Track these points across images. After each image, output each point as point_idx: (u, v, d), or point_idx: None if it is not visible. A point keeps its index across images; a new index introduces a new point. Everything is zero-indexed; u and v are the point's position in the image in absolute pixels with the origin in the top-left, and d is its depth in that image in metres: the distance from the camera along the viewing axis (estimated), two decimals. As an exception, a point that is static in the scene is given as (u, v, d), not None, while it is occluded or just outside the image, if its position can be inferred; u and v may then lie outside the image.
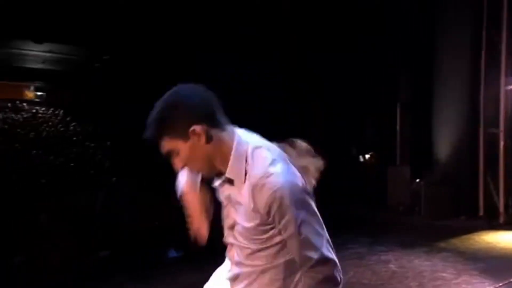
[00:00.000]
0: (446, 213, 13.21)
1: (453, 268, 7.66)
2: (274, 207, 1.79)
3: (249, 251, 1.92)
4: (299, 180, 1.87)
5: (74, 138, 19.09)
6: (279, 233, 1.87)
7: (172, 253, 8.97)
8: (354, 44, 15.23)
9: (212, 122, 1.82)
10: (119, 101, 17.11)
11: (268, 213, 1.81)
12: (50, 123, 20.67)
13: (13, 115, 21.01)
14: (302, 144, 2.20)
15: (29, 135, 18.40)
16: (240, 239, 1.93)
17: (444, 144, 14.80)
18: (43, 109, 22.83)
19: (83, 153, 17.25)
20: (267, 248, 1.90)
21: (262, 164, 1.81)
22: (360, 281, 6.95)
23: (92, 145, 18.36)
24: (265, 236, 1.88)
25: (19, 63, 18.79)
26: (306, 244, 1.85)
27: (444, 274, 7.26)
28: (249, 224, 1.88)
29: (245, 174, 1.83)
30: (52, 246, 8.53)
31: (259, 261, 1.92)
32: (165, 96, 1.88)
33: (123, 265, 8.28)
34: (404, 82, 16.25)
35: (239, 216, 1.90)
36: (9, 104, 22.12)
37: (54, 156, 16.13)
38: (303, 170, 2.04)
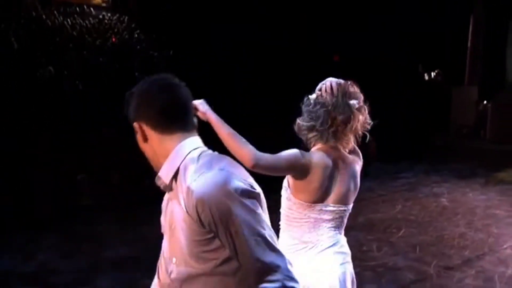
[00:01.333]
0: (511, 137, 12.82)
1: (509, 204, 7.56)
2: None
3: None
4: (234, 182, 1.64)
5: (138, 47, 19.41)
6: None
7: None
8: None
9: (154, 124, 1.79)
10: (183, 9, 17.01)
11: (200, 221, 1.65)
12: (116, 30, 21.02)
13: (81, 21, 21.42)
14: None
15: (96, 42, 18.83)
16: None
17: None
18: (109, 14, 23.16)
19: (147, 62, 17.60)
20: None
21: (192, 173, 1.68)
22: (406, 217, 6.97)
23: (156, 54, 18.67)
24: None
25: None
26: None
27: (497, 212, 7.19)
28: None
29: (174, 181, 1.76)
30: (113, 164, 8.86)
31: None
32: (144, 81, 1.85)
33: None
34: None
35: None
36: (77, 9, 22.51)
37: (119, 65, 16.54)
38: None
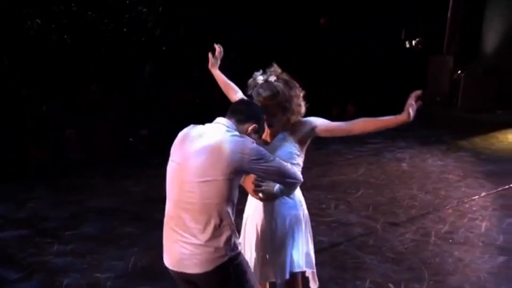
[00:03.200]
0: (482, 106, 13.43)
1: (462, 170, 8.24)
2: None
3: None
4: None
5: (127, 1, 19.54)
6: None
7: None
8: None
9: None
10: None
11: None
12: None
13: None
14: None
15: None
16: None
17: (492, 37, 14.62)
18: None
19: (136, 19, 17.83)
20: None
21: None
22: (367, 179, 7.63)
23: (145, 10, 18.86)
24: None
25: None
26: None
27: (450, 176, 7.87)
28: None
29: None
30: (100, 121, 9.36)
31: None
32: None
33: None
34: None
35: None
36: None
37: (108, 20, 16.79)
38: None
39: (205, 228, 2.49)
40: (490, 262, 5.00)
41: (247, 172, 2.68)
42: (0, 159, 7.61)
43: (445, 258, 5.08)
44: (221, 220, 2.50)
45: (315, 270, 3.33)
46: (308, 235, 3.28)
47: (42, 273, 4.60)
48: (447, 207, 6.49)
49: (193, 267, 2.52)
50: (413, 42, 16.87)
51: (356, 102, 13.25)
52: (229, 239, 2.53)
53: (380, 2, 16.03)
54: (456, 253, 5.18)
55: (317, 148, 9.35)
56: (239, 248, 2.63)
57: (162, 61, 13.64)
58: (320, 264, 4.80)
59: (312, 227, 5.53)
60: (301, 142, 3.08)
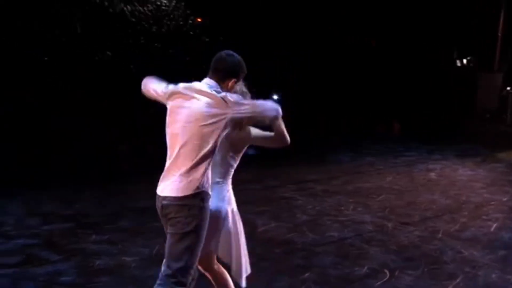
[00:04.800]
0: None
1: (490, 179, 8.42)
2: None
3: None
4: None
5: (191, 33, 20.78)
6: None
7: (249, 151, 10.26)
8: None
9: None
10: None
11: None
12: (171, 16, 22.43)
13: (140, 8, 22.97)
14: None
15: (152, 28, 20.35)
16: None
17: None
18: (166, 1, 24.54)
19: (198, 47, 18.91)
20: None
21: None
22: (391, 186, 7.97)
23: (207, 40, 19.98)
24: None
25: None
26: None
27: (475, 184, 8.08)
28: None
29: None
30: (149, 138, 10.19)
31: None
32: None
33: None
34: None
35: None
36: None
37: (173, 50, 17.94)
38: None
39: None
40: (489, 255, 5.27)
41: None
42: (56, 166, 8.53)
43: (446, 251, 5.39)
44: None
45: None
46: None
47: (79, 256, 5.29)
48: (464, 211, 6.75)
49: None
50: (464, 61, 16.94)
51: (402, 119, 13.53)
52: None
53: (432, 21, 16.30)
54: (458, 247, 5.48)
55: (351, 159, 9.80)
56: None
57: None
58: (325, 253, 5.31)
59: (326, 225, 6.05)
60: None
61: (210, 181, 3.19)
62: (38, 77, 10.70)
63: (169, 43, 18.16)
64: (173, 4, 23.57)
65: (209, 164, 3.13)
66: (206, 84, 3.16)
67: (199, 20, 20.86)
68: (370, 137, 11.74)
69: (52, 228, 6.11)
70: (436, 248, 5.48)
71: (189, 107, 3.08)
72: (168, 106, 3.22)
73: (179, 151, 3.11)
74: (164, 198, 3.16)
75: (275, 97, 10.14)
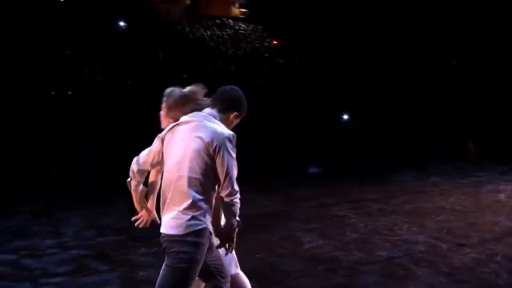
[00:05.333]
0: None
1: None
2: None
3: None
4: None
5: (266, 55, 21.14)
6: None
7: (313, 169, 10.22)
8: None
9: None
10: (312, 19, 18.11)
11: None
12: (248, 40, 22.94)
13: (218, 32, 23.67)
14: None
15: (229, 51, 20.87)
16: None
17: None
18: (244, 25, 25.13)
19: (273, 69, 19.24)
20: None
21: None
22: (453, 207, 7.58)
23: (282, 61, 20.25)
24: None
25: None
26: None
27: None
28: None
29: None
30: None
31: None
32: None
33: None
34: None
35: None
36: (218, 21, 24.78)
37: (248, 71, 18.30)
38: None
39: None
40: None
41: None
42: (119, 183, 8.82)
43: (502, 274, 5.09)
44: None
45: None
46: None
47: (125, 267, 5.44)
48: (529, 235, 6.33)
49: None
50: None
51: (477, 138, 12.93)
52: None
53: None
54: (516, 271, 5.15)
55: (415, 179, 9.49)
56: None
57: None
58: (369, 272, 5.15)
59: (376, 244, 5.88)
60: None
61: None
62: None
63: (244, 65, 18.60)
64: (251, 27, 24.11)
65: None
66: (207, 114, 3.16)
67: (275, 42, 21.35)
68: (439, 156, 11.31)
69: (105, 240, 6.33)
70: (492, 271, 5.17)
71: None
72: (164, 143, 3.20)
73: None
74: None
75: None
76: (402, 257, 5.59)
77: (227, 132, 3.08)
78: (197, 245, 3.03)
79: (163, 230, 3.13)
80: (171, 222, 3.07)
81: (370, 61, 15.38)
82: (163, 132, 3.20)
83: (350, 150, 11.75)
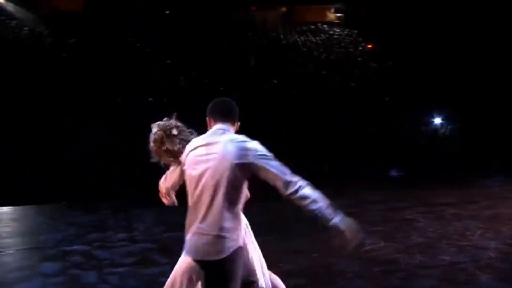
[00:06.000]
0: None
1: None
2: None
3: None
4: None
5: (359, 59, 20.87)
6: None
7: (394, 172, 9.96)
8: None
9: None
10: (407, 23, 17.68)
11: None
12: (342, 44, 22.77)
13: (312, 38, 23.72)
14: None
15: (321, 56, 20.83)
16: None
17: None
18: (339, 30, 24.97)
19: (365, 73, 18.94)
20: None
21: None
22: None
23: (374, 65, 19.89)
24: None
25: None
26: None
27: None
28: None
29: None
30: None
31: None
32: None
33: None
34: None
35: None
36: (312, 27, 24.83)
37: (340, 77, 18.18)
38: None
39: None
40: None
41: None
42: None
43: None
44: None
45: None
46: None
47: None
48: None
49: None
50: None
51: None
52: None
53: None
54: None
55: (502, 184, 8.96)
56: None
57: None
58: (428, 276, 4.96)
59: (441, 249, 5.65)
60: None
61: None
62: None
63: (336, 70, 18.45)
64: (346, 32, 23.84)
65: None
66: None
67: (369, 46, 20.95)
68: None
69: (171, 235, 6.54)
70: None
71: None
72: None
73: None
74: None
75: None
76: (467, 262, 5.30)
77: (251, 144, 2.97)
78: (236, 263, 3.09)
79: (198, 257, 3.20)
80: (206, 248, 3.13)
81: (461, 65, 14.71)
82: (183, 155, 3.22)
83: (439, 154, 11.32)
